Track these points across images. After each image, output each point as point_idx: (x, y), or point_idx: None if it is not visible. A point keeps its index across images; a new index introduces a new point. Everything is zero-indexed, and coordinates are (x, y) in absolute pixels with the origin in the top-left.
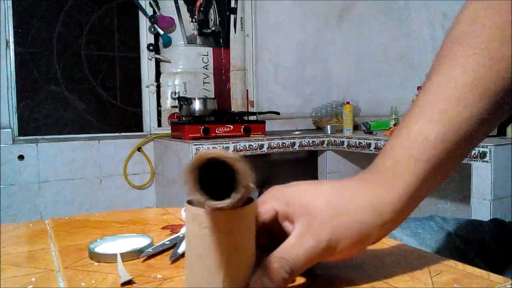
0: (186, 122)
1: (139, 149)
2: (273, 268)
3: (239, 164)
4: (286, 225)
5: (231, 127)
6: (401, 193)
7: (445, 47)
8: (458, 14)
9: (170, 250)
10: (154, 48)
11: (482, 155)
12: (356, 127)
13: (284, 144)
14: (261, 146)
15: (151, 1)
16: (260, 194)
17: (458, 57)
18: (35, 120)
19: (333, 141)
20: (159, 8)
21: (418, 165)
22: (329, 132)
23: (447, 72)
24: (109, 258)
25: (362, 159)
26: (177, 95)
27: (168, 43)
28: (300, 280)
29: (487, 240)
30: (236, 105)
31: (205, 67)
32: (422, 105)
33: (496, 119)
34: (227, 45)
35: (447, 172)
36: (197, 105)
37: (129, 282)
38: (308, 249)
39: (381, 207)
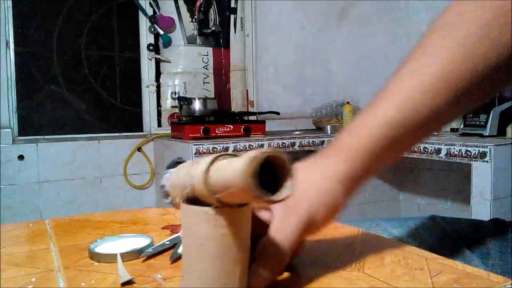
0: (186, 122)
1: (139, 149)
2: (266, 258)
3: (287, 157)
4: (263, 214)
5: (231, 127)
6: (358, 167)
7: (426, 35)
8: (447, 6)
9: (170, 250)
10: (154, 48)
11: (482, 155)
12: None
13: (284, 144)
14: (261, 146)
15: (151, 1)
16: None
17: (434, 47)
18: (35, 120)
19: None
20: (159, 8)
21: (376, 144)
22: (329, 132)
23: (421, 60)
24: (109, 258)
25: None
26: (177, 95)
27: (168, 43)
28: (300, 280)
29: (487, 240)
30: (236, 105)
31: (205, 67)
32: (391, 89)
33: (457, 113)
34: (227, 45)
35: (401, 152)
36: (197, 105)
37: (129, 282)
38: (293, 227)
39: (342, 177)
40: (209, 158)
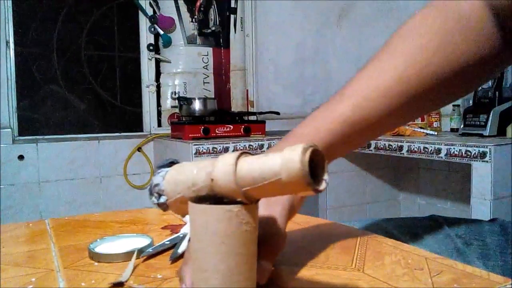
0: (186, 122)
1: (139, 149)
2: (265, 249)
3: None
4: None
5: (231, 127)
6: None
7: (388, 40)
8: (411, 15)
9: (170, 250)
10: (154, 48)
11: (482, 155)
12: None
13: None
14: (261, 146)
15: (151, 1)
16: None
17: (394, 52)
18: (35, 120)
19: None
20: (159, 8)
21: (333, 139)
22: None
23: (380, 63)
24: (109, 258)
25: (362, 159)
26: (177, 95)
27: (168, 43)
28: (299, 280)
29: (487, 241)
30: (236, 105)
31: (205, 67)
32: (350, 89)
33: (410, 116)
34: (227, 45)
35: (355, 147)
36: (197, 105)
37: (120, 284)
38: (280, 215)
39: None
40: (231, 154)
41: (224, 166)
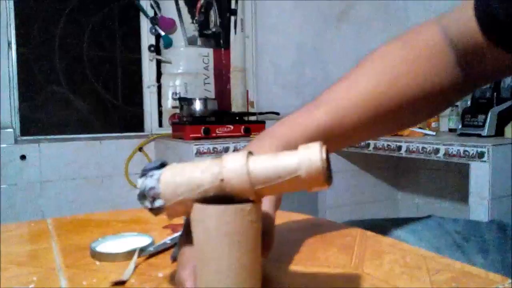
0: (187, 123)
1: (140, 149)
2: (263, 241)
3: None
4: None
5: (232, 127)
6: None
7: (360, 62)
8: (378, 46)
9: (171, 249)
10: (155, 49)
11: (480, 155)
12: None
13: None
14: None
15: (152, 3)
16: None
17: (366, 71)
18: (37, 120)
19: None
20: (160, 10)
21: (306, 140)
22: None
23: (355, 79)
24: (111, 257)
25: (362, 159)
26: (178, 96)
27: (169, 44)
28: (299, 279)
29: (486, 237)
30: (236, 106)
31: (206, 68)
32: (327, 98)
33: (380, 131)
34: (227, 46)
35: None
36: (197, 106)
37: (122, 282)
38: (269, 207)
39: None
40: (239, 154)
41: (235, 166)
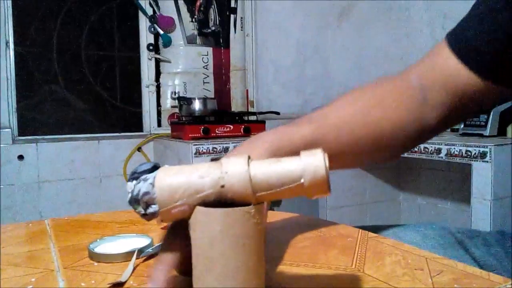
0: (186, 122)
1: (139, 149)
2: None
3: None
4: None
5: (231, 127)
6: None
7: (342, 95)
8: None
9: None
10: (154, 48)
11: (482, 155)
12: None
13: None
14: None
15: (151, 1)
16: None
17: (350, 98)
18: (35, 120)
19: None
20: (159, 8)
21: (293, 152)
22: None
23: (340, 104)
24: (109, 258)
25: None
26: (177, 95)
27: (168, 43)
28: (299, 280)
29: (487, 237)
30: (236, 105)
31: (205, 67)
32: (315, 115)
33: (353, 161)
34: (227, 45)
35: None
36: (197, 105)
37: (120, 284)
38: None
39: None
40: (239, 159)
41: (236, 172)
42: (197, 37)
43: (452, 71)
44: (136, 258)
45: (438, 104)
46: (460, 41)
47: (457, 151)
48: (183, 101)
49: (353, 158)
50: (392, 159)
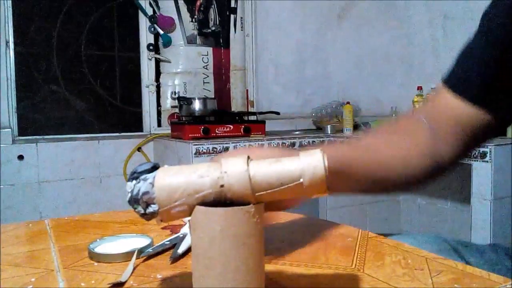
0: (186, 122)
1: (139, 149)
2: None
3: None
4: None
5: (231, 127)
6: None
7: (371, 133)
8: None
9: (170, 251)
10: (154, 48)
11: (482, 155)
12: (356, 127)
13: (284, 144)
14: (261, 146)
15: (151, 1)
16: None
17: (376, 136)
18: (35, 120)
19: (333, 141)
20: (159, 8)
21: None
22: (329, 132)
23: (367, 137)
24: (109, 258)
25: None
26: (177, 95)
27: (168, 43)
28: (300, 279)
29: (483, 249)
30: (236, 105)
31: (205, 67)
32: (348, 141)
33: (378, 187)
34: (227, 45)
35: (340, 189)
36: (197, 105)
37: (120, 284)
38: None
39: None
40: (239, 159)
41: (236, 172)
42: (197, 37)
43: (451, 105)
44: (136, 258)
45: (448, 138)
46: (453, 78)
47: None
48: (183, 101)
49: (374, 183)
50: (403, 191)
